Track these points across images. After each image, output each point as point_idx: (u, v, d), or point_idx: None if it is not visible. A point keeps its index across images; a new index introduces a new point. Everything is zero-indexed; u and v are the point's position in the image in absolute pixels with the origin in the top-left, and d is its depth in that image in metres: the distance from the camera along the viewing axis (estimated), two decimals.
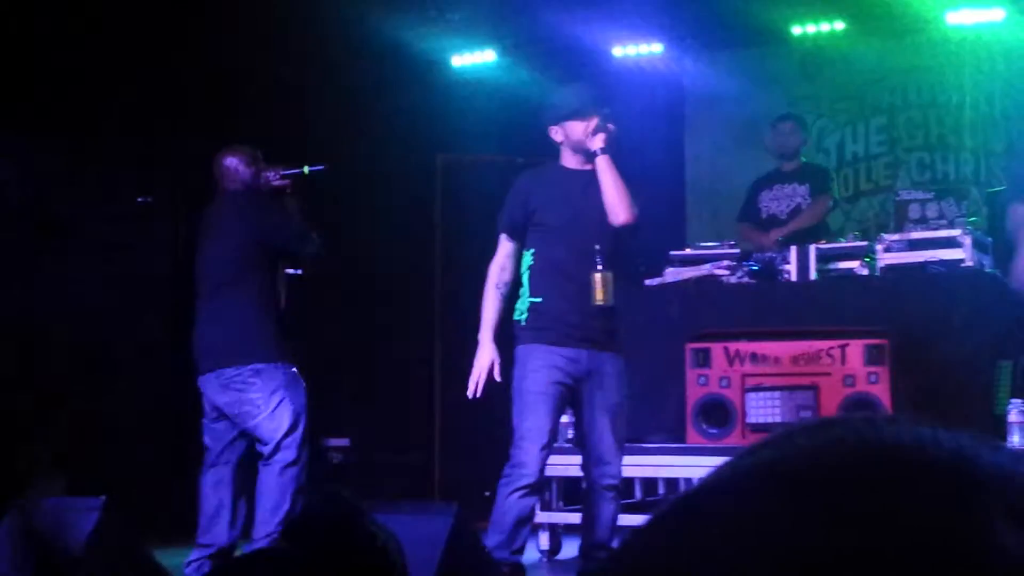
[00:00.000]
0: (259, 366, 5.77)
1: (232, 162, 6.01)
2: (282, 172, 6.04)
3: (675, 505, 0.64)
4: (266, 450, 5.76)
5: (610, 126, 5.27)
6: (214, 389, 5.80)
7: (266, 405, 5.73)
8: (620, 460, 5.31)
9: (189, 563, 5.69)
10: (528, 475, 5.14)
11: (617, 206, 5.24)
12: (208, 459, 5.84)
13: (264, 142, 8.39)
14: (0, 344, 7.17)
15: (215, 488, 5.81)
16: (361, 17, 8.15)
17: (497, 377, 5.21)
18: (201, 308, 5.98)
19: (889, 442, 0.62)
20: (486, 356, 5.25)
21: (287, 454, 5.73)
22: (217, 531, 5.74)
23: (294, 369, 5.90)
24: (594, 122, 5.25)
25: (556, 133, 5.38)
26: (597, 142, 5.24)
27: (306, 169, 6.05)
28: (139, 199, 8.20)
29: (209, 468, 5.83)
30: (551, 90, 6.18)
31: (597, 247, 5.20)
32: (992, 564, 0.56)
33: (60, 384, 7.44)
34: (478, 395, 5.25)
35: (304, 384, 5.90)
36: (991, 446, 0.61)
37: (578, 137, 5.29)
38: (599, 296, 5.16)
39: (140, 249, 8.15)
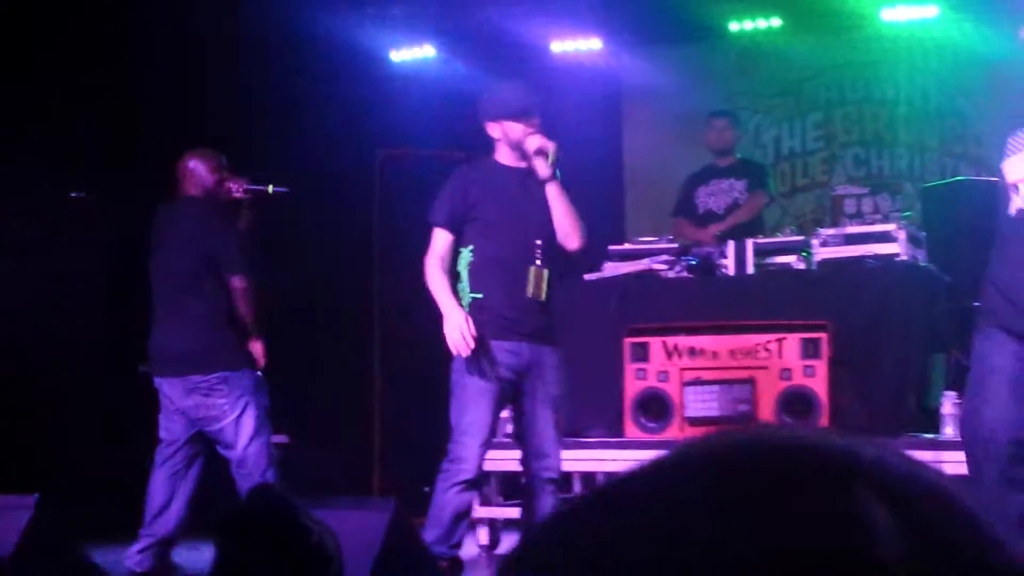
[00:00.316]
0: (226, 373, 5.80)
1: (197, 166, 5.99)
2: (246, 186, 6.00)
3: (586, 498, 0.66)
4: (231, 455, 5.79)
5: (556, 149, 5.27)
6: (178, 393, 5.82)
7: (232, 410, 5.77)
8: (560, 454, 5.32)
9: (131, 555, 5.66)
10: (467, 470, 5.13)
11: (571, 233, 5.29)
12: (163, 453, 5.86)
13: (201, 137, 8.33)
14: None
15: (168, 481, 5.82)
16: (298, 11, 8.10)
17: (472, 333, 5.16)
18: (162, 312, 5.98)
19: (779, 442, 0.65)
20: (457, 314, 5.17)
21: (260, 459, 5.78)
22: (163, 522, 5.74)
23: (259, 373, 5.95)
24: (535, 125, 5.25)
25: (494, 129, 5.36)
26: (543, 168, 5.25)
27: (271, 188, 6.03)
28: (72, 194, 8.11)
29: (164, 462, 5.84)
30: (490, 84, 6.13)
31: (538, 242, 5.22)
32: (866, 537, 0.58)
33: None
34: (468, 352, 5.18)
35: (267, 387, 5.97)
36: (874, 444, 0.64)
37: (517, 137, 5.28)
38: (530, 290, 5.17)
39: (74, 246, 8.07)
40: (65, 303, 7.95)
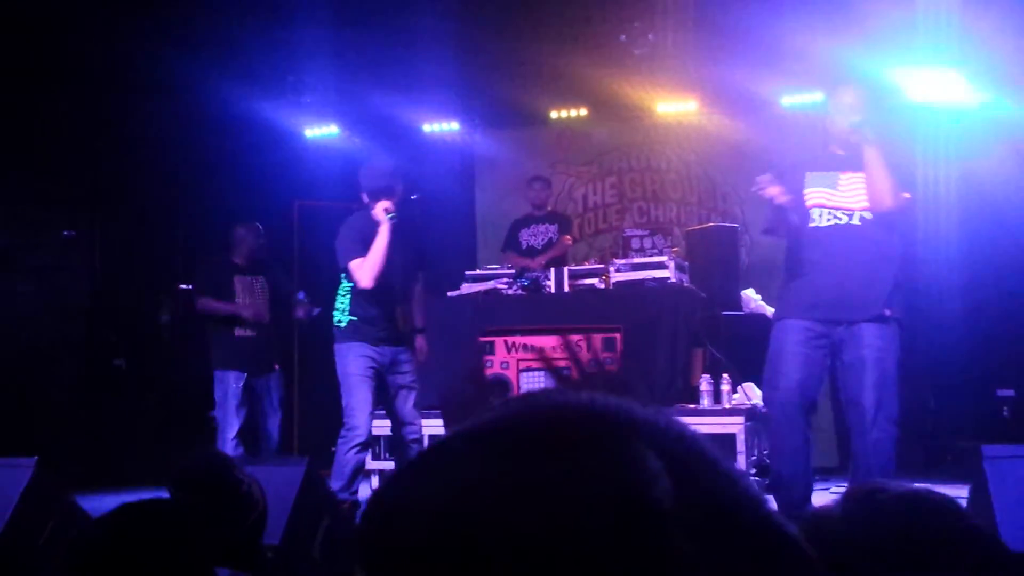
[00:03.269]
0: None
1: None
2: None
3: (424, 455, 0.63)
4: None
5: (389, 206, 5.19)
6: None
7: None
8: (419, 421, 5.32)
9: None
10: (359, 435, 5.09)
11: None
12: None
13: (162, 195, 8.10)
14: None
15: None
16: (235, 98, 7.96)
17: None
18: None
19: (564, 402, 0.62)
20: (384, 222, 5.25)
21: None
22: None
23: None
24: (383, 206, 5.19)
25: (365, 197, 5.33)
26: (381, 215, 5.20)
27: None
28: (64, 232, 7.86)
29: None
30: (365, 163, 5.98)
31: (397, 285, 5.25)
32: (642, 480, 0.56)
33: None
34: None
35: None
36: (643, 405, 0.62)
37: (376, 214, 5.22)
38: (400, 325, 5.32)
39: (66, 270, 7.85)
40: (60, 312, 7.72)
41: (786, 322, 4.36)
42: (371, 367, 5.20)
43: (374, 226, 5.24)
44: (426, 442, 6.99)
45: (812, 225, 4.42)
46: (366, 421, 5.11)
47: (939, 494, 0.98)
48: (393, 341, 5.29)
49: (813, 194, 4.44)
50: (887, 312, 4.28)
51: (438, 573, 0.54)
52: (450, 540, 0.54)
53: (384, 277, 5.20)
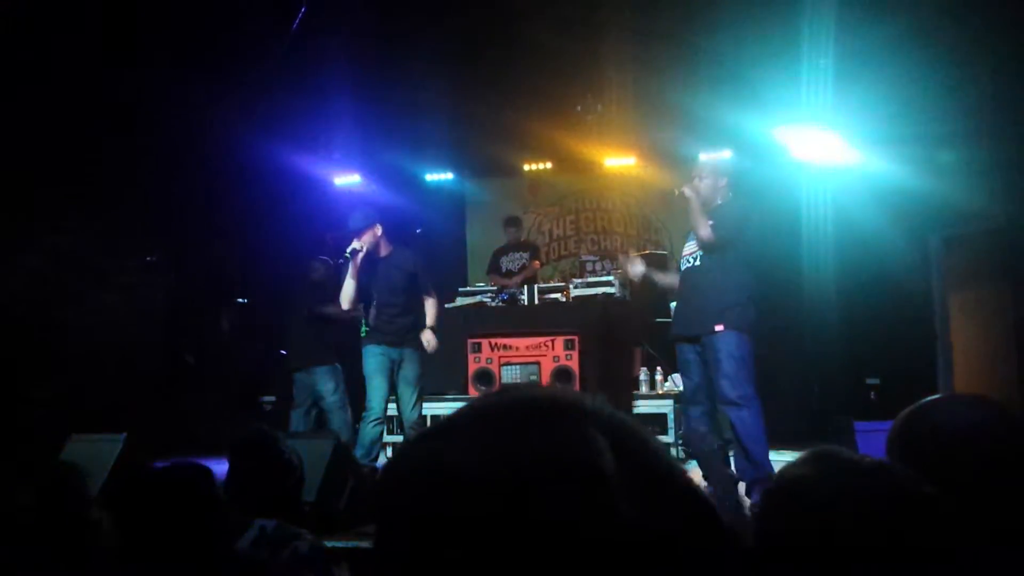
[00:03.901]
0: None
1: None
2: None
3: (428, 430, 0.63)
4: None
5: (361, 244, 5.11)
6: None
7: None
8: (420, 408, 5.27)
9: None
10: (375, 414, 5.07)
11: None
12: None
13: (222, 227, 8.05)
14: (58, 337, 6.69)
15: None
16: (281, 154, 7.96)
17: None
18: None
19: (536, 393, 0.62)
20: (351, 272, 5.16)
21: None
22: None
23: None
24: (354, 244, 5.14)
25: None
26: (352, 249, 5.14)
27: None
28: (147, 257, 7.82)
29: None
30: (389, 198, 6.02)
31: (392, 302, 5.17)
32: (592, 454, 0.56)
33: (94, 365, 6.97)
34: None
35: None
36: (592, 397, 0.62)
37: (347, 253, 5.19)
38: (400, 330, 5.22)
39: (149, 285, 7.80)
40: (143, 319, 7.67)
41: (676, 344, 4.52)
42: (385, 363, 5.16)
43: (373, 262, 5.21)
44: (429, 422, 7.01)
45: (680, 270, 4.61)
46: (380, 403, 5.09)
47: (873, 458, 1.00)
48: (399, 343, 5.22)
49: (684, 249, 4.63)
50: (718, 328, 4.25)
51: (435, 528, 0.54)
52: (441, 505, 0.55)
53: (384, 299, 5.17)
